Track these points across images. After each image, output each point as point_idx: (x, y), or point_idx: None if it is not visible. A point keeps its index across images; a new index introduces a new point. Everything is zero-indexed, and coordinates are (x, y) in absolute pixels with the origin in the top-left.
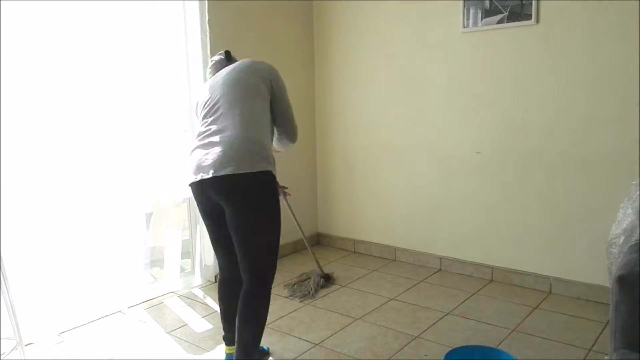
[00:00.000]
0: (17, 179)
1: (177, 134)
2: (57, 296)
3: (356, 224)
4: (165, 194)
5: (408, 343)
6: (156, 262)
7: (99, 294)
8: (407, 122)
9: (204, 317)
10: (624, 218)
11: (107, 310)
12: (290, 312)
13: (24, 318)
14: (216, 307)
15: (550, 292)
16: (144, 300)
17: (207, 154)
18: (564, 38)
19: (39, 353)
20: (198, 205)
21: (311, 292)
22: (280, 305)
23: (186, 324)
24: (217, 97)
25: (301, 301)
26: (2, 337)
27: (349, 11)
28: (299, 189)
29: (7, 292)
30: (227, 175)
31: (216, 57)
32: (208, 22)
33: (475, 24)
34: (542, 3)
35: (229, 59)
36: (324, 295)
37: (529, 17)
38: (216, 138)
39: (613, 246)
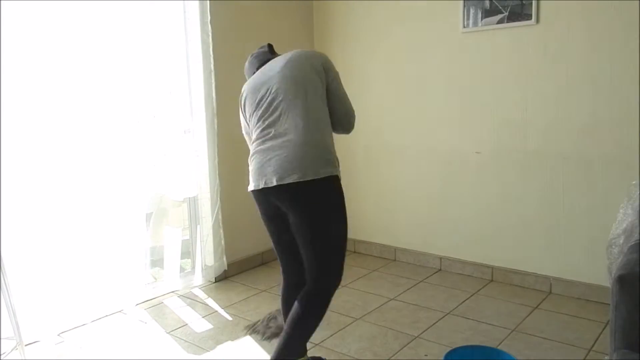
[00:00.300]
0: (17, 179)
1: (177, 134)
2: (57, 296)
3: (356, 224)
4: (165, 193)
5: (408, 343)
6: (156, 262)
7: (99, 294)
8: (407, 122)
9: (204, 317)
10: (624, 218)
11: (107, 310)
12: None
13: (24, 318)
14: (216, 307)
15: (550, 292)
16: (144, 300)
17: (269, 159)
18: (564, 38)
19: (39, 353)
20: (259, 209)
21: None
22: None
23: (186, 324)
24: (273, 95)
25: (270, 341)
26: (2, 337)
27: (349, 11)
28: None
29: (7, 292)
30: (292, 183)
31: (257, 50)
32: (210, 22)
33: (475, 24)
34: (542, 3)
35: (272, 52)
36: None
37: (529, 17)
38: (277, 142)
39: (613, 246)
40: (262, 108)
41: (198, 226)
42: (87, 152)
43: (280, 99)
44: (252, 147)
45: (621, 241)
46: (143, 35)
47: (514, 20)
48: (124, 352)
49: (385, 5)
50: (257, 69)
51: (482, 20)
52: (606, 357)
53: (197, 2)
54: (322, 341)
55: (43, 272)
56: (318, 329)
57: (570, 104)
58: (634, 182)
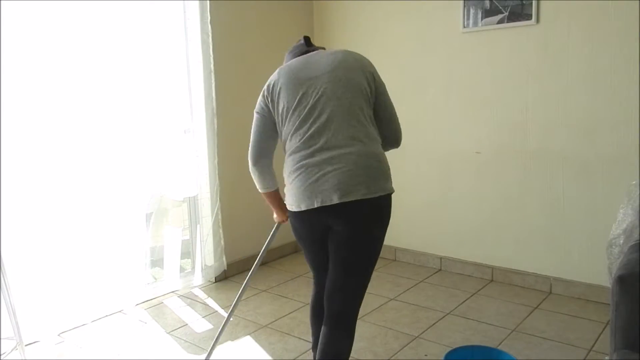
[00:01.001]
0: (17, 180)
1: (177, 134)
2: (57, 296)
3: None
4: (165, 193)
5: (408, 343)
6: (156, 262)
7: (99, 294)
8: (407, 122)
9: (204, 317)
10: (624, 218)
11: (107, 310)
12: (290, 312)
13: (24, 318)
14: (216, 307)
15: (550, 292)
16: (144, 300)
17: (324, 174)
18: (564, 38)
19: (39, 353)
20: (300, 230)
21: None
22: (280, 305)
23: (186, 324)
24: (321, 96)
25: None
26: (2, 337)
27: (349, 11)
28: None
29: (7, 292)
30: (358, 200)
31: (293, 45)
32: (210, 22)
33: (475, 24)
34: (542, 3)
35: (309, 44)
36: None
37: (529, 17)
38: (332, 154)
39: (613, 246)
40: (307, 108)
41: (198, 226)
42: (87, 152)
43: (331, 103)
44: (292, 159)
45: (621, 241)
46: (143, 35)
47: (514, 20)
48: (124, 352)
49: (385, 5)
50: None
51: (482, 20)
52: (606, 357)
53: (197, 2)
54: None
55: (43, 272)
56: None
57: (570, 104)
58: (634, 182)
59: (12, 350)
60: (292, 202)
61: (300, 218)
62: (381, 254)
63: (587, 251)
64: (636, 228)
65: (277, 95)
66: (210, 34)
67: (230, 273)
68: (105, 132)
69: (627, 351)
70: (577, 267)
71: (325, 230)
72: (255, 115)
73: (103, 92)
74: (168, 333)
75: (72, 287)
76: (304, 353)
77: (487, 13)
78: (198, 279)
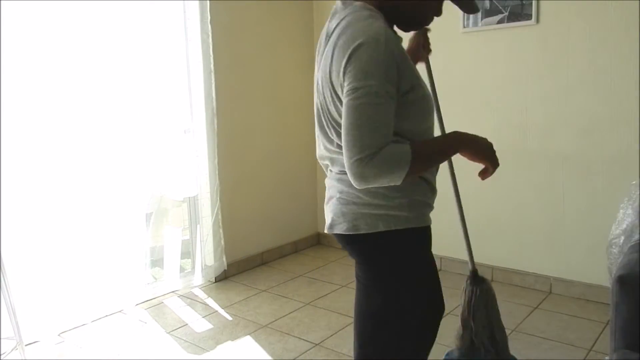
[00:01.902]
0: (17, 179)
1: (177, 134)
2: (57, 296)
3: None
4: (165, 193)
5: None
6: (156, 262)
7: (99, 294)
8: None
9: (204, 317)
10: (624, 218)
11: (107, 310)
12: (291, 312)
13: (24, 318)
14: (216, 307)
15: (550, 292)
16: (144, 300)
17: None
18: (564, 38)
19: (39, 353)
20: (429, 248)
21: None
22: (280, 305)
23: (186, 324)
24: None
25: None
26: (2, 337)
27: None
28: (299, 189)
29: (7, 292)
30: None
31: None
32: (210, 22)
33: (475, 24)
34: (542, 3)
35: None
36: (324, 295)
37: (529, 17)
38: None
39: (613, 246)
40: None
41: (198, 226)
42: (87, 152)
43: None
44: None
45: (621, 241)
46: (143, 35)
47: (514, 21)
48: (124, 352)
49: None
50: None
51: (482, 20)
52: (606, 357)
53: (197, 2)
54: (322, 341)
55: (43, 272)
56: (318, 329)
57: (570, 104)
58: (634, 182)
59: (12, 350)
60: (422, 215)
61: (428, 235)
62: None
63: (587, 251)
64: (636, 228)
65: (398, 73)
66: (210, 34)
67: (230, 273)
68: (106, 132)
69: (627, 351)
70: (577, 267)
71: None
72: (378, 98)
73: (103, 92)
74: (168, 333)
75: (72, 287)
76: (304, 353)
77: (487, 13)
78: (198, 279)
